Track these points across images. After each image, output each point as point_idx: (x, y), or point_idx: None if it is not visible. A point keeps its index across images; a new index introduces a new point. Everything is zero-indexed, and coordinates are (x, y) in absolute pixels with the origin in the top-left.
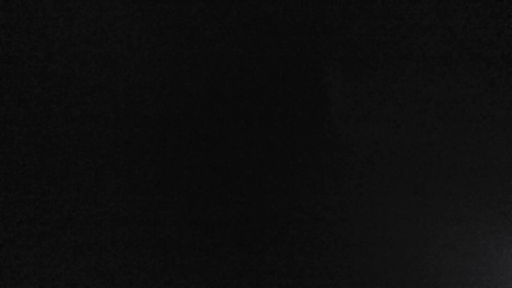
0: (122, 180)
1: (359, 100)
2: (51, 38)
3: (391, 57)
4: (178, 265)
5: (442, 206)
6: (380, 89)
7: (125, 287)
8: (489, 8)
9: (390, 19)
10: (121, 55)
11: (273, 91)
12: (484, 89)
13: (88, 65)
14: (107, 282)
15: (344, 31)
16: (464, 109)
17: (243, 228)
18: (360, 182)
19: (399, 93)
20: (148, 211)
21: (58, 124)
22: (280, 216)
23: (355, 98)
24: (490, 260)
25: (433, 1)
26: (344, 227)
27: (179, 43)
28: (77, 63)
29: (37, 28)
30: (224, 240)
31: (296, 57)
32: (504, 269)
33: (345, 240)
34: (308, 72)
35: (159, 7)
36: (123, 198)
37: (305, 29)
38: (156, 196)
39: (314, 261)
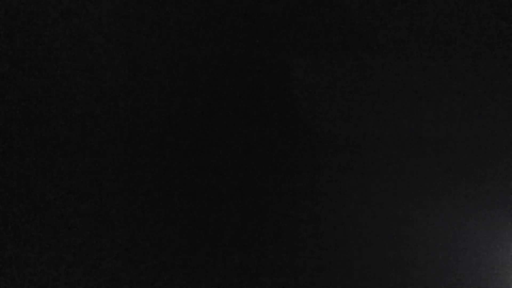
0: (122, 180)
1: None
2: (51, 38)
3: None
4: (178, 265)
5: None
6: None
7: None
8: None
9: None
10: (120, 55)
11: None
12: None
13: (87, 65)
14: (107, 282)
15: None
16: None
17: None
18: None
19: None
20: (148, 211)
21: (58, 124)
22: (273, 216)
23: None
24: (489, 259)
25: None
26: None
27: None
28: (77, 63)
29: (37, 27)
30: (224, 240)
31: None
32: (504, 269)
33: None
34: (276, 65)
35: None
36: (123, 198)
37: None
38: (155, 196)
39: (311, 261)
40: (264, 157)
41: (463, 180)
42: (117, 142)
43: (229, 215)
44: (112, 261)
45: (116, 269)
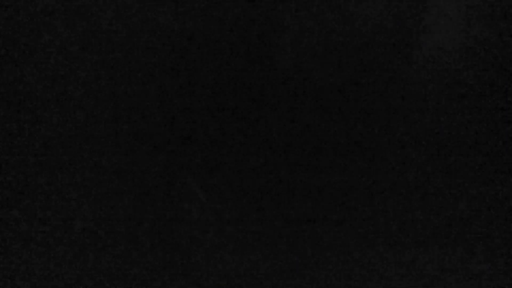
0: (121, 180)
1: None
2: (50, 37)
3: None
4: (178, 265)
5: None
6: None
7: (124, 287)
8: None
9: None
10: (120, 55)
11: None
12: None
13: (87, 65)
14: (107, 282)
15: None
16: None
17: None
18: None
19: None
20: (147, 211)
21: (58, 124)
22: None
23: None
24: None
25: None
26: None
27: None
28: (76, 63)
29: (36, 27)
30: (225, 236)
31: None
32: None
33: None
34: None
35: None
36: (122, 198)
37: None
38: (155, 195)
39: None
40: (265, 156)
41: (463, 180)
42: (116, 142)
43: (229, 214)
44: (112, 261)
45: (116, 269)
